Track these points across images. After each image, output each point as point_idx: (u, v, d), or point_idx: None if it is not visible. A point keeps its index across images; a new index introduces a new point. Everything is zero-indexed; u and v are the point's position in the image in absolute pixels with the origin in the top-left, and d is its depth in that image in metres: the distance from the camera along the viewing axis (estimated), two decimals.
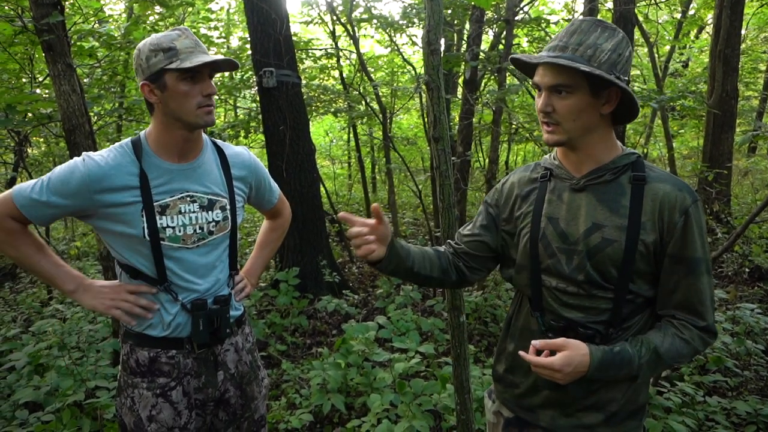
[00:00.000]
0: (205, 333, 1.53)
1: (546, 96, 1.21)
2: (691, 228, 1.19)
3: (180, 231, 1.51)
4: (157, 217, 1.47)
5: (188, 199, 1.53)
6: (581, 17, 1.29)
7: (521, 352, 1.21)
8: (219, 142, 1.68)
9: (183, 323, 1.54)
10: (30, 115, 4.45)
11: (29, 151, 7.67)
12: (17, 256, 1.48)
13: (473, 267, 1.49)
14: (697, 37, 13.15)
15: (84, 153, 1.46)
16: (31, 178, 5.97)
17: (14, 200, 1.43)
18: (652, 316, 1.28)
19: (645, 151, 10.01)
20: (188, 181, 1.53)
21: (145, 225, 1.45)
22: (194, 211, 1.53)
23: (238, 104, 9.73)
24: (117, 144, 1.52)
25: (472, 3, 5.02)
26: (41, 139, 7.98)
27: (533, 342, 1.21)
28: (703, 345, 1.22)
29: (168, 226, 1.49)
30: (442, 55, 2.08)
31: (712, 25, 7.72)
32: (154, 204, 1.47)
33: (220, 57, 1.44)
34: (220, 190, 1.60)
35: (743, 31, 8.58)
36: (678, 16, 10.62)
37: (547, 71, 1.21)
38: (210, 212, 1.56)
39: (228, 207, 1.60)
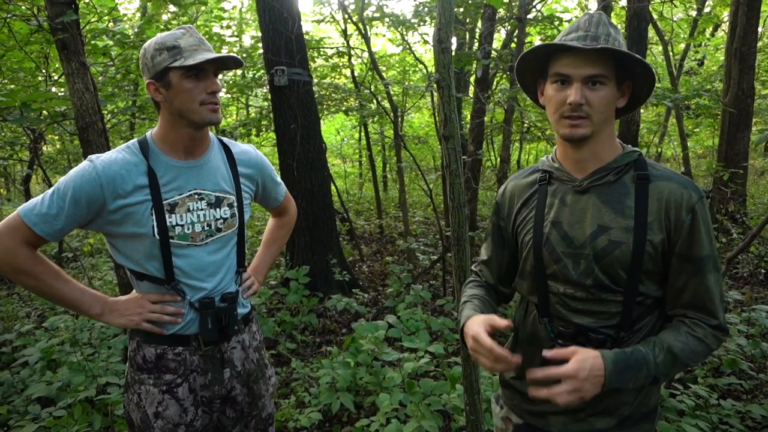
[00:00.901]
0: (213, 330, 1.54)
1: (580, 88, 1.17)
2: (699, 226, 1.16)
3: (189, 229, 1.51)
4: (167, 216, 1.47)
5: (196, 196, 1.53)
6: (592, 11, 1.26)
7: (530, 376, 1.15)
8: (225, 139, 1.68)
9: (191, 321, 1.54)
10: (45, 113, 4.50)
11: (44, 148, 7.76)
12: (38, 286, 1.44)
13: (506, 292, 1.50)
14: (712, 35, 12.98)
15: (90, 156, 1.45)
16: (46, 175, 6.06)
17: (25, 221, 1.39)
18: (661, 317, 1.26)
19: (659, 150, 9.90)
20: (196, 178, 1.53)
21: (155, 224, 1.45)
22: (202, 209, 1.53)
23: (249, 103, 9.78)
24: (123, 145, 1.52)
25: (485, 1, 4.99)
26: (56, 137, 8.07)
27: (544, 352, 1.14)
28: (717, 343, 1.19)
29: (177, 224, 1.49)
30: (453, 53, 2.07)
31: (728, 23, 7.60)
32: (163, 202, 1.47)
33: (223, 54, 1.43)
34: (228, 187, 1.60)
35: (760, 29, 8.44)
36: (693, 13, 10.48)
37: (581, 61, 1.16)
38: (218, 209, 1.56)
39: (235, 204, 1.61)
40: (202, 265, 1.54)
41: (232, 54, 1.45)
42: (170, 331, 1.53)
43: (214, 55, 1.41)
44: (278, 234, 1.96)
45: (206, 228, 1.54)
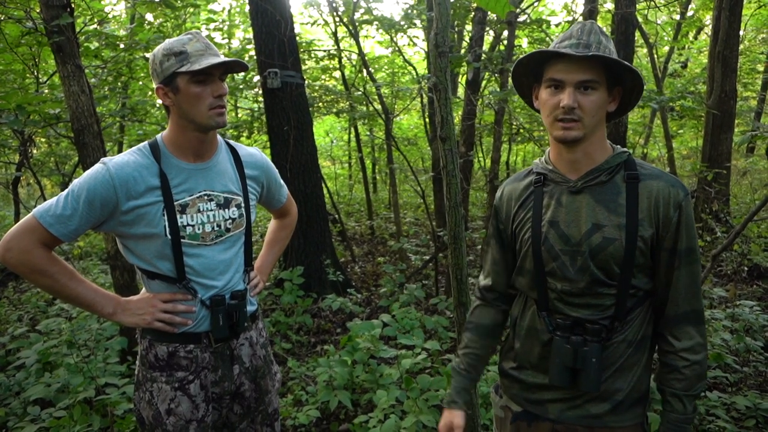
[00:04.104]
0: (224, 327, 1.58)
1: (572, 92, 1.24)
2: (684, 221, 1.25)
3: (199, 229, 1.55)
4: (178, 216, 1.51)
5: (206, 197, 1.57)
6: (583, 20, 1.34)
7: None
8: (232, 142, 1.73)
9: (202, 318, 1.58)
10: (36, 115, 4.49)
11: (33, 151, 7.70)
12: (53, 285, 1.47)
13: (513, 296, 1.54)
14: (695, 37, 13.22)
15: (103, 159, 1.49)
16: (36, 178, 6.02)
17: (40, 222, 1.42)
18: (651, 307, 1.33)
19: (645, 151, 10.07)
20: (205, 180, 1.58)
21: (167, 224, 1.49)
22: (212, 210, 1.57)
23: (238, 104, 9.78)
24: (134, 148, 1.56)
25: (474, 5, 5.07)
26: (43, 139, 8.02)
27: None
28: (703, 348, 1.28)
29: (188, 225, 1.53)
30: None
31: (710, 26, 7.77)
32: (175, 203, 1.51)
33: (229, 59, 1.47)
34: (235, 188, 1.64)
35: (741, 32, 8.63)
36: (677, 17, 10.68)
37: (573, 67, 1.23)
38: (226, 210, 1.60)
39: (243, 205, 1.65)
40: (212, 264, 1.58)
41: (237, 59, 1.50)
42: (182, 329, 1.57)
43: (219, 59, 1.45)
44: (280, 235, 2.01)
45: (216, 228, 1.58)
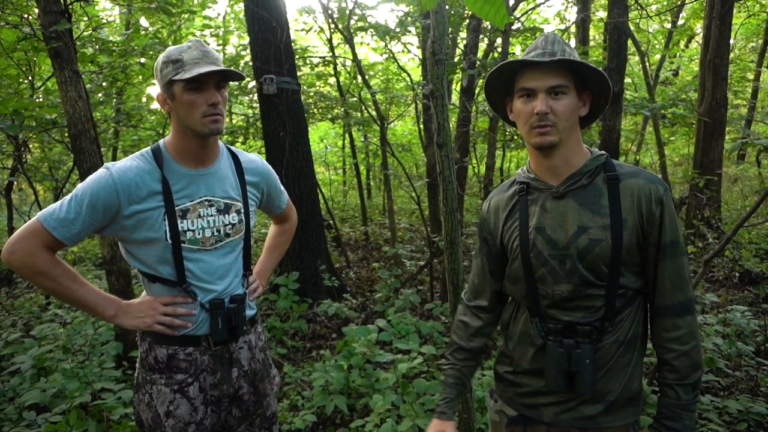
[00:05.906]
0: (223, 331, 1.59)
1: (545, 98, 1.29)
2: (666, 215, 1.30)
3: (199, 234, 1.57)
4: (178, 221, 1.53)
5: (206, 203, 1.59)
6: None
7: None
8: (234, 148, 1.75)
9: (201, 322, 1.60)
10: (32, 120, 4.49)
11: (27, 157, 7.68)
12: (56, 288, 1.49)
13: (500, 304, 1.56)
14: (687, 46, 13.38)
15: (106, 164, 1.51)
16: (31, 183, 6.01)
17: (44, 225, 1.44)
18: (639, 307, 1.36)
19: (637, 158, 10.16)
20: (206, 185, 1.60)
21: (167, 228, 1.51)
22: (212, 215, 1.59)
23: (233, 110, 9.80)
24: (137, 153, 1.58)
25: (469, 12, 5.12)
26: (36, 144, 8.00)
27: None
28: (693, 334, 1.31)
29: (188, 230, 1.54)
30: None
31: (701, 35, 7.87)
32: (176, 208, 1.53)
33: (221, 67, 1.48)
34: (235, 194, 1.66)
35: (732, 41, 8.75)
36: (668, 25, 10.81)
37: (542, 75, 1.29)
38: (226, 215, 1.62)
39: (242, 211, 1.67)
40: (212, 269, 1.60)
41: (231, 68, 1.51)
42: (181, 332, 1.59)
43: (210, 68, 1.45)
44: (280, 240, 2.03)
45: (216, 233, 1.60)
